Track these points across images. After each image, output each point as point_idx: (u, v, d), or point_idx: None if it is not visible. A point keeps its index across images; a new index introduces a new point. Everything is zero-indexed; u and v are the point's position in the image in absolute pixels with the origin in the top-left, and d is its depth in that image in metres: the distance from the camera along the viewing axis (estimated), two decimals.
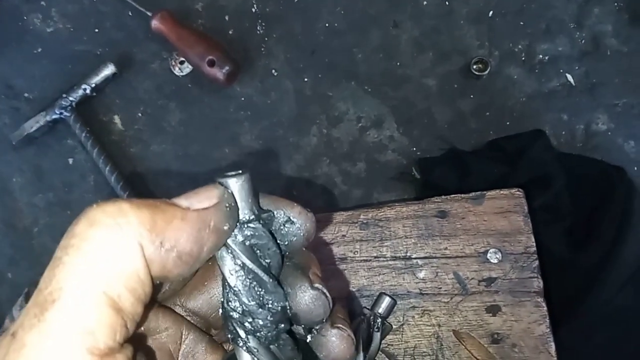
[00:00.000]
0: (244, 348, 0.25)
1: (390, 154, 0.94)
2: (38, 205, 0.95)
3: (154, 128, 0.98)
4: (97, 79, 0.98)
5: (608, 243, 0.77)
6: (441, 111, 0.94)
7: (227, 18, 1.02)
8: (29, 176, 0.96)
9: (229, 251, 0.25)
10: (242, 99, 0.99)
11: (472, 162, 0.85)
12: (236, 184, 0.25)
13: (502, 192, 0.64)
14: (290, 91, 0.98)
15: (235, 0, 1.03)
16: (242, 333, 0.25)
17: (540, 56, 0.95)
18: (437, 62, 0.97)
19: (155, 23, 0.98)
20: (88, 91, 0.97)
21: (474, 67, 0.94)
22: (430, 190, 0.87)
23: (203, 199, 0.24)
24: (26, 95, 1.01)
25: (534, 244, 0.62)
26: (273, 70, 0.99)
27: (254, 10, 1.02)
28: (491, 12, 0.98)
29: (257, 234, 0.25)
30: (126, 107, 1.00)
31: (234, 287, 0.25)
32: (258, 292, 0.25)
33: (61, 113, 0.95)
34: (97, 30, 1.04)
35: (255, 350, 0.25)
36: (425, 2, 1.00)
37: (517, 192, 0.64)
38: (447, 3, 0.99)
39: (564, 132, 0.92)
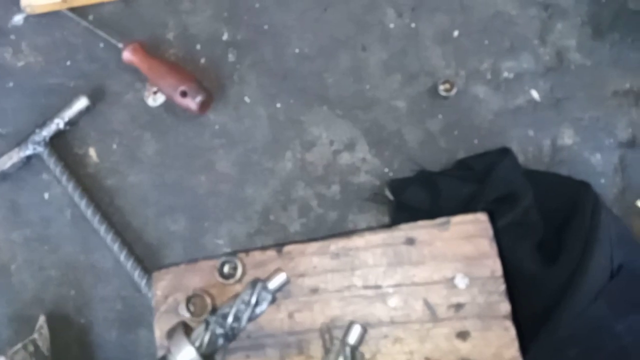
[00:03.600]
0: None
1: (364, 176, 0.95)
2: (15, 241, 0.95)
3: (130, 159, 0.99)
4: (70, 113, 0.98)
5: (576, 257, 0.79)
6: (411, 132, 0.96)
7: (198, 47, 1.04)
8: (4, 212, 0.96)
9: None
10: (217, 126, 1.00)
11: (442, 182, 0.87)
12: None
13: (467, 217, 0.66)
14: (263, 117, 0.99)
15: (206, 29, 1.04)
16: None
17: (506, 74, 0.98)
18: (406, 84, 0.98)
19: (126, 54, 0.99)
20: (62, 125, 0.97)
21: (441, 87, 0.96)
22: (403, 211, 0.89)
23: None
24: None
25: (501, 267, 0.64)
26: (246, 97, 1.01)
27: (224, 38, 1.03)
28: (456, 32, 1.00)
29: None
30: (101, 139, 1.00)
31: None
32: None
33: (35, 148, 0.96)
34: (68, 62, 1.05)
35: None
36: (392, 25, 1.01)
37: (482, 217, 0.66)
38: (413, 25, 1.01)
39: (531, 148, 0.94)
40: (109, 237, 0.91)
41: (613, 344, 0.78)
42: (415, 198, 0.88)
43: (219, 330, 0.59)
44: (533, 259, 0.81)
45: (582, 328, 0.75)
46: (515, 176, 0.86)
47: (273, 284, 0.62)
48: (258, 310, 0.59)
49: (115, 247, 0.91)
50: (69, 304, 0.92)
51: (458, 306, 0.63)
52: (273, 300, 0.61)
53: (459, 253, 0.64)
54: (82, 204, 0.92)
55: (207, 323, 0.61)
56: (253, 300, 0.60)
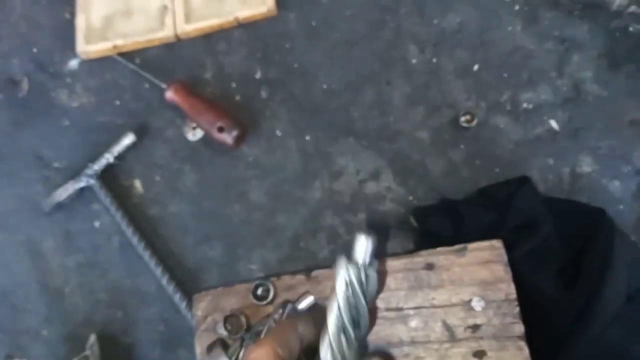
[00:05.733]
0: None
1: (389, 204, 1.01)
2: (69, 266, 1.04)
3: (171, 190, 1.07)
4: (118, 148, 1.07)
5: (593, 282, 0.81)
6: (434, 162, 1.01)
7: (233, 85, 1.12)
8: (59, 240, 1.05)
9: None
10: (250, 158, 1.07)
11: (464, 210, 0.91)
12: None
13: (483, 243, 0.70)
14: (293, 149, 1.06)
15: (240, 68, 1.13)
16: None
17: (525, 105, 1.02)
18: (428, 116, 1.04)
19: (169, 94, 1.08)
20: (111, 160, 1.07)
21: (462, 119, 1.01)
22: (427, 238, 0.94)
23: None
24: (55, 165, 1.11)
25: (514, 291, 0.67)
26: (277, 131, 1.08)
27: (257, 76, 1.12)
28: (476, 66, 1.05)
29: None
30: (145, 172, 1.09)
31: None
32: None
33: (87, 181, 1.05)
34: (117, 102, 1.15)
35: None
36: (414, 61, 1.08)
37: (497, 244, 0.70)
38: (434, 60, 1.07)
39: (551, 176, 0.97)
40: (152, 263, 0.99)
41: None
42: (438, 225, 0.92)
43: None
44: (552, 285, 0.84)
45: (598, 352, 0.77)
46: (534, 204, 0.90)
47: (301, 305, 0.68)
48: None
49: (158, 272, 0.98)
50: (116, 324, 1.00)
51: (475, 327, 0.67)
52: None
53: (476, 278, 0.68)
54: (129, 232, 1.01)
55: (242, 339, 0.67)
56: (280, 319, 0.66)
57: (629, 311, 0.82)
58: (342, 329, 0.36)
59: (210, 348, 0.67)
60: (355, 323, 0.37)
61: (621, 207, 0.94)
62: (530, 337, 0.83)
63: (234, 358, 0.66)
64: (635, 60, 1.02)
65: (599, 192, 0.95)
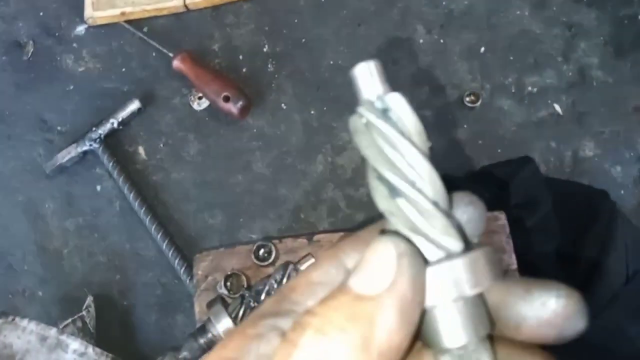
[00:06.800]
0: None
1: None
2: (68, 229, 1.04)
3: (174, 158, 1.07)
4: (123, 114, 1.07)
5: (592, 263, 0.82)
6: (437, 140, 1.02)
7: (241, 57, 1.12)
8: (60, 202, 1.05)
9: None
10: (255, 130, 1.08)
11: (464, 186, 0.92)
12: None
13: (487, 215, 0.70)
14: (298, 123, 1.07)
15: (248, 41, 1.13)
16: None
17: (530, 88, 1.03)
18: (433, 96, 1.04)
19: (176, 63, 1.08)
20: (115, 125, 1.07)
21: (467, 99, 1.02)
22: None
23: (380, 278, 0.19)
24: (59, 128, 1.11)
25: (515, 262, 0.68)
26: (282, 104, 1.08)
27: (265, 50, 1.12)
28: (483, 49, 1.06)
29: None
30: (149, 139, 1.09)
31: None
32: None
33: (91, 145, 1.05)
34: (124, 69, 1.14)
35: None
36: (421, 40, 1.08)
37: (500, 215, 0.70)
38: (441, 41, 1.07)
39: (552, 159, 0.98)
40: (152, 228, 0.99)
41: (627, 347, 0.81)
42: None
43: (253, 305, 0.65)
44: (551, 263, 0.85)
45: (596, 331, 0.78)
46: (536, 183, 0.90)
47: (303, 267, 0.68)
48: None
49: (158, 237, 0.98)
50: (114, 287, 1.00)
51: None
52: None
53: None
54: (130, 196, 1.01)
55: (243, 297, 0.67)
56: (284, 280, 0.66)
57: (627, 292, 0.83)
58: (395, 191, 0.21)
59: (210, 304, 0.67)
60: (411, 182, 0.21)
61: (622, 192, 0.95)
62: None
63: (234, 315, 0.66)
64: None
65: (601, 176, 0.96)
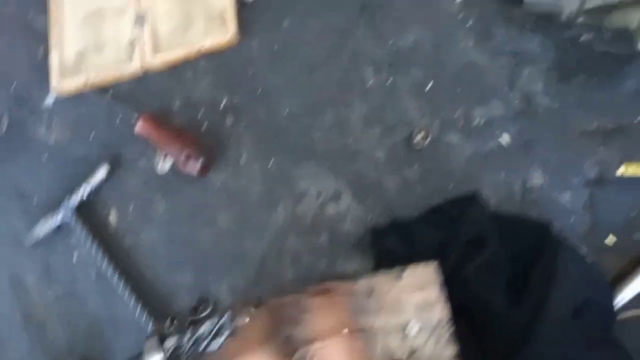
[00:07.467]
0: None
1: (349, 224, 1.04)
2: (49, 299, 1.10)
3: (143, 219, 1.12)
4: (94, 181, 1.13)
5: (538, 297, 0.84)
6: (390, 180, 1.04)
7: (200, 113, 1.16)
8: (40, 273, 1.11)
9: None
10: (218, 184, 1.12)
11: (416, 229, 0.95)
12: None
13: (418, 266, 0.73)
14: (258, 174, 1.10)
15: (206, 96, 1.17)
16: None
17: (477, 120, 1.04)
18: (384, 135, 1.07)
19: (137, 127, 1.13)
20: (87, 192, 1.12)
21: (417, 137, 1.04)
22: (385, 258, 0.97)
23: None
24: (35, 199, 1.17)
25: (448, 312, 0.71)
26: (243, 157, 1.12)
27: (223, 103, 1.16)
28: (431, 84, 1.08)
29: None
30: (120, 202, 1.14)
31: None
32: None
33: (63, 217, 1.10)
34: (92, 135, 1.20)
35: None
36: (370, 81, 1.11)
37: (431, 265, 0.73)
38: (390, 80, 1.10)
39: (503, 190, 1.00)
40: (126, 294, 1.04)
41: None
42: (393, 245, 0.96)
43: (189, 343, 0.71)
44: (500, 300, 0.87)
45: None
46: (482, 220, 0.93)
47: (237, 321, 0.72)
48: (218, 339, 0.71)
49: (132, 302, 1.03)
50: (96, 353, 1.05)
51: (412, 351, 0.70)
52: (232, 334, 0.72)
53: (412, 301, 0.72)
54: (104, 264, 1.06)
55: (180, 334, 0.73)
56: (215, 329, 0.72)
57: (577, 323, 0.84)
58: None
59: (147, 338, 0.73)
60: None
61: (572, 218, 0.96)
62: (483, 351, 0.86)
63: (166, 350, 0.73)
64: (585, 70, 1.04)
65: (551, 204, 0.97)
